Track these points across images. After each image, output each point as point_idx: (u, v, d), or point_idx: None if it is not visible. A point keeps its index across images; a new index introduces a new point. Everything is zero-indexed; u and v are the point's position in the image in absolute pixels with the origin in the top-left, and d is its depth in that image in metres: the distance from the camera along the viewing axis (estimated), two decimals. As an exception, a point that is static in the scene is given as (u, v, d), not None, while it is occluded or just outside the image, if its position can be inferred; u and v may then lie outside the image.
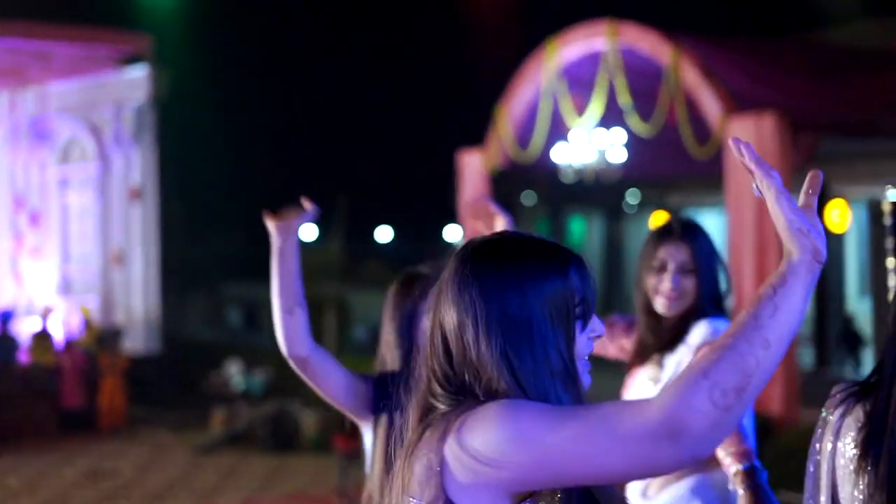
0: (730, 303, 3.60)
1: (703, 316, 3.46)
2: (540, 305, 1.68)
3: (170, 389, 15.03)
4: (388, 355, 3.02)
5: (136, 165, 15.73)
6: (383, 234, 30.50)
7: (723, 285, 3.51)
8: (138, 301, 15.62)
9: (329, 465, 10.65)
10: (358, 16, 29.55)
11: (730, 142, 1.68)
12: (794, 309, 1.61)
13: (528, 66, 12.78)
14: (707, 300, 3.45)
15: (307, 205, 3.02)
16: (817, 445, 2.16)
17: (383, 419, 2.93)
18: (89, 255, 16.10)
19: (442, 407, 1.70)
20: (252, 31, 27.38)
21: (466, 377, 1.70)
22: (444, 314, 1.73)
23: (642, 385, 3.57)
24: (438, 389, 1.72)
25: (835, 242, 17.34)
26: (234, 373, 14.23)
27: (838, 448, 2.11)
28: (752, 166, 1.66)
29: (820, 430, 2.18)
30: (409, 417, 1.78)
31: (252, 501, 9.82)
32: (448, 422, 1.65)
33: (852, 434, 2.09)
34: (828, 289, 17.05)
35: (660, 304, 3.47)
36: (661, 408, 1.51)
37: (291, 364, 2.97)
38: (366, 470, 3.08)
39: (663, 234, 3.48)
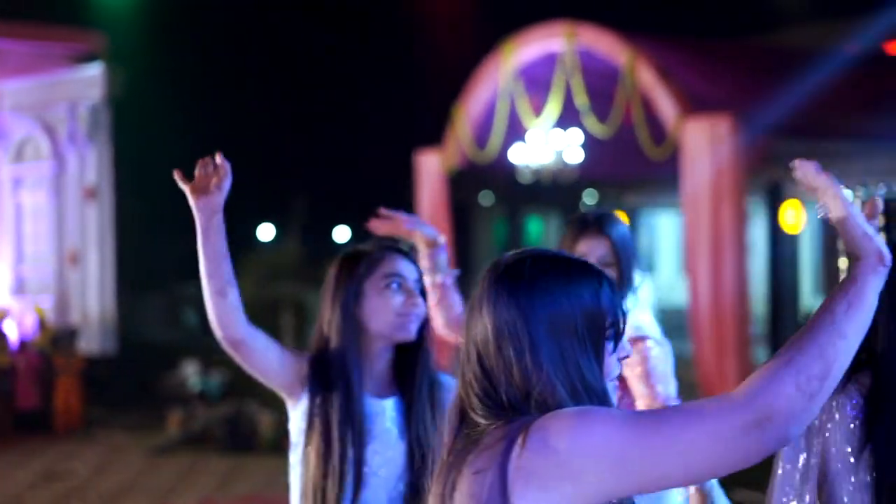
0: (645, 294, 3.54)
1: None
2: (575, 323, 1.71)
3: (126, 390, 14.92)
4: (333, 334, 2.90)
5: (91, 165, 15.60)
6: (341, 234, 30.43)
7: (637, 278, 3.45)
8: (94, 301, 15.50)
9: (286, 466, 10.60)
10: (315, 15, 29.47)
11: (794, 164, 1.75)
12: (865, 305, 1.70)
13: (486, 66, 12.82)
14: (626, 293, 3.41)
15: (220, 163, 2.82)
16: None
17: (318, 398, 2.86)
18: (44, 255, 15.96)
19: (483, 422, 1.71)
20: (208, 30, 27.24)
21: (509, 392, 1.70)
22: (478, 331, 1.75)
23: None
24: (478, 404, 1.73)
25: (789, 242, 17.51)
26: (190, 373, 14.15)
27: (829, 429, 2.15)
28: (818, 182, 1.75)
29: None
30: (445, 435, 1.79)
31: (208, 502, 9.78)
32: (508, 436, 1.64)
33: (847, 410, 2.14)
34: (782, 288, 17.22)
35: None
36: (750, 396, 1.57)
37: (225, 346, 2.86)
38: (295, 452, 2.96)
39: (581, 228, 3.41)
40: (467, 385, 1.75)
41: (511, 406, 1.70)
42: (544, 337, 1.69)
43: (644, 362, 3.26)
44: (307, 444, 2.88)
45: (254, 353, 2.86)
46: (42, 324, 14.75)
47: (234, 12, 27.79)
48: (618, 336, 1.77)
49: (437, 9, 24.35)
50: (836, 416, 2.17)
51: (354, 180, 29.26)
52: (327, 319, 2.92)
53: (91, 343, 15.08)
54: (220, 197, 2.81)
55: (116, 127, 15.76)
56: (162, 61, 21.54)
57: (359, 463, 2.80)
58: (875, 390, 2.16)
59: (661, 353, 3.30)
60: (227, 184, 2.82)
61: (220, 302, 2.81)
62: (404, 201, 15.97)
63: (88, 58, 15.59)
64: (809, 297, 19.05)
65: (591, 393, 1.70)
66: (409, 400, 2.89)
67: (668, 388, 3.22)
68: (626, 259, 3.39)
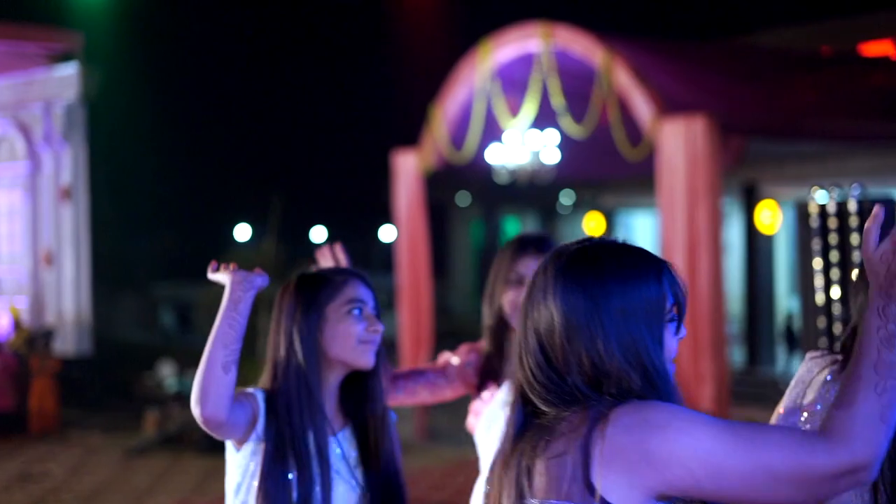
0: None
1: None
2: (642, 308, 1.74)
3: (102, 391, 14.87)
4: (294, 361, 2.74)
5: (67, 164, 15.53)
6: (318, 234, 30.39)
7: None
8: (69, 302, 15.43)
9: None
10: (291, 15, 29.43)
11: (874, 212, 1.75)
12: None
13: (462, 66, 12.82)
14: None
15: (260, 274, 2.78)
16: (798, 401, 2.25)
17: (280, 433, 2.69)
18: (19, 256, 15.88)
19: (550, 410, 1.74)
20: (183, 30, 27.16)
21: (578, 380, 1.73)
22: (542, 321, 1.77)
23: (499, 412, 3.40)
24: (542, 393, 1.76)
25: (765, 243, 17.61)
26: (166, 374, 14.12)
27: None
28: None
29: (799, 392, 2.27)
30: (508, 424, 1.81)
31: (185, 503, 9.77)
32: (587, 422, 1.68)
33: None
34: (758, 288, 17.31)
35: (514, 319, 3.39)
36: (851, 448, 1.61)
37: (201, 422, 2.59)
38: (239, 493, 2.81)
39: (520, 247, 3.43)
40: (528, 374, 1.78)
41: (581, 394, 1.72)
42: (615, 323, 1.72)
43: None
44: (267, 481, 2.69)
45: (229, 431, 2.69)
46: (17, 325, 14.68)
47: (211, 13, 27.72)
48: (679, 318, 1.80)
49: (414, 9, 24.35)
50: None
51: (331, 181, 29.25)
52: (284, 346, 2.76)
53: (66, 344, 15.02)
54: (261, 280, 2.75)
55: (92, 127, 15.70)
56: (137, 61, 21.48)
57: (327, 500, 2.68)
58: None
59: None
60: (265, 281, 2.78)
61: (220, 377, 2.56)
62: (380, 201, 15.97)
63: (64, 57, 15.53)
64: (785, 297, 19.15)
65: (659, 376, 1.73)
66: (365, 429, 2.79)
67: None
68: None
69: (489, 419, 3.49)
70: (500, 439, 1.84)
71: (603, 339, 1.71)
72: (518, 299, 3.34)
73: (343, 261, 3.33)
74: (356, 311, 2.78)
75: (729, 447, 1.61)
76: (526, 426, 1.78)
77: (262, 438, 2.70)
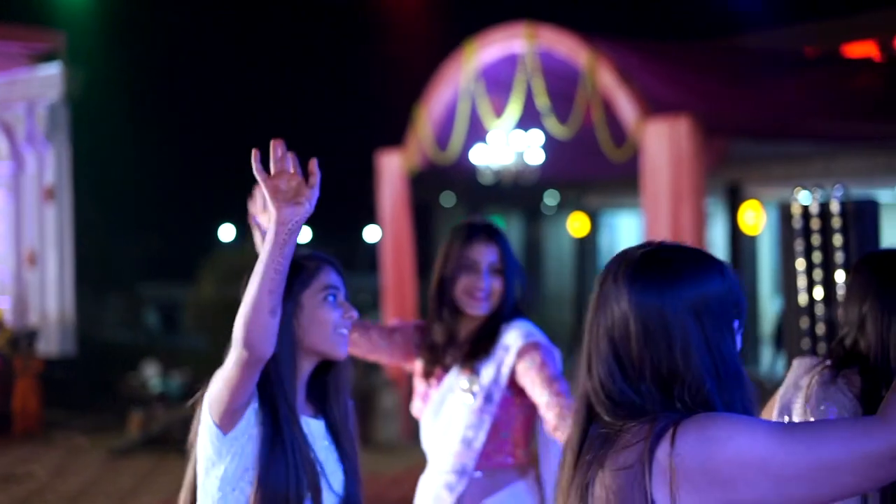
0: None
1: (508, 317, 3.46)
2: (713, 308, 1.75)
3: (85, 392, 14.83)
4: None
5: (50, 165, 15.48)
6: (302, 234, 30.37)
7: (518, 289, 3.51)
8: (52, 302, 15.38)
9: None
10: (274, 14, 29.39)
11: None
12: None
13: (447, 67, 12.83)
14: (511, 301, 3.47)
15: (312, 170, 2.55)
16: (789, 407, 2.27)
17: (272, 422, 2.60)
18: (2, 256, 15.82)
19: (615, 420, 1.73)
20: (166, 30, 27.10)
21: (650, 388, 1.73)
22: (615, 326, 1.76)
23: (454, 396, 3.46)
24: (610, 401, 1.74)
25: (749, 243, 17.66)
26: (150, 375, 14.09)
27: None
28: None
29: (789, 397, 2.28)
30: (573, 430, 1.81)
31: (169, 504, 9.75)
32: (653, 434, 1.67)
33: (836, 410, 2.18)
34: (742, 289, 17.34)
35: (471, 305, 3.45)
36: None
37: (245, 362, 2.46)
38: (214, 477, 2.65)
39: (470, 234, 3.47)
40: (597, 383, 1.76)
41: (651, 402, 1.72)
42: (691, 326, 1.72)
43: (542, 367, 3.33)
44: (268, 466, 2.57)
45: (250, 389, 2.56)
46: (0, 325, 14.63)
47: (193, 13, 27.66)
48: (741, 315, 1.80)
49: (399, 10, 24.34)
50: (831, 417, 2.20)
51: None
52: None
53: (50, 345, 14.97)
54: (309, 209, 2.50)
55: (75, 127, 15.65)
56: (121, 61, 21.42)
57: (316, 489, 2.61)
58: (867, 391, 2.20)
59: (554, 357, 3.39)
60: (315, 193, 2.51)
61: (270, 321, 2.43)
62: (365, 202, 15.96)
63: (47, 57, 15.48)
64: (768, 297, 19.21)
65: (733, 378, 1.73)
66: (334, 419, 2.72)
67: (564, 388, 3.28)
68: (512, 266, 3.48)
69: (437, 404, 3.49)
70: (563, 448, 1.84)
71: (680, 340, 1.71)
72: (472, 285, 3.42)
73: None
74: (331, 298, 2.73)
75: (789, 452, 1.60)
76: (590, 436, 1.77)
77: (254, 422, 2.59)
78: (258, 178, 2.48)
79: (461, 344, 3.48)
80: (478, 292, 3.42)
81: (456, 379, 3.47)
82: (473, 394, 3.41)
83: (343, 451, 2.71)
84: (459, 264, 3.44)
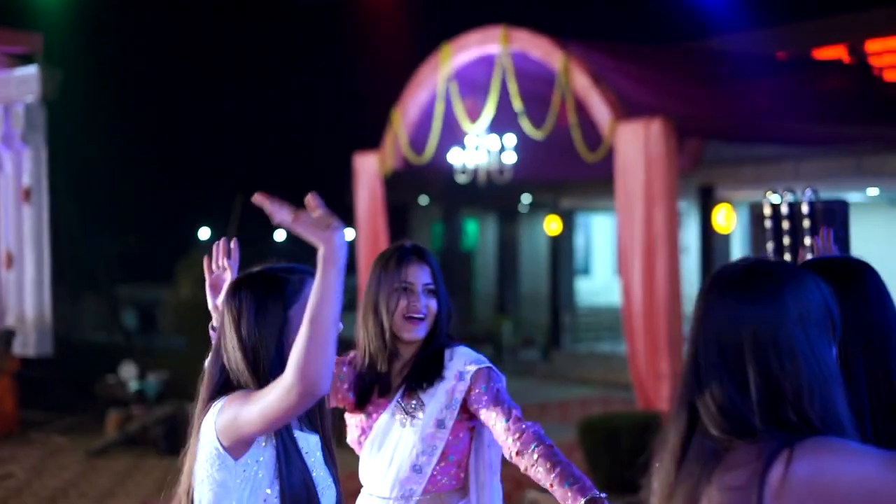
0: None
1: (445, 341, 3.45)
2: (818, 321, 1.79)
3: (63, 392, 14.83)
4: (262, 366, 2.58)
5: (27, 166, 15.47)
6: (280, 234, 30.37)
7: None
8: (30, 303, 15.37)
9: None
10: (252, 17, 29.40)
11: None
12: None
13: (423, 69, 12.93)
14: (445, 323, 3.45)
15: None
16: None
17: (280, 445, 2.60)
18: (-22, 257, 15.81)
19: (721, 434, 1.74)
20: (144, 31, 27.08)
21: (758, 403, 1.74)
22: (725, 338, 1.78)
23: (397, 424, 3.40)
24: (717, 415, 1.76)
25: (721, 243, 17.81)
26: (128, 375, 14.11)
27: None
28: None
29: None
30: (671, 443, 1.81)
31: None
32: (765, 455, 1.68)
33: None
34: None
35: (407, 329, 3.40)
36: None
37: (309, 399, 2.37)
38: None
39: (403, 256, 3.44)
40: (707, 394, 1.77)
41: (758, 419, 1.73)
42: (798, 334, 1.75)
43: (498, 393, 3.35)
44: (289, 480, 2.57)
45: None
46: (-23, 326, 14.62)
47: (172, 14, 27.65)
48: (836, 325, 1.82)
49: (375, 13, 24.41)
50: None
51: (292, 182, 29.20)
52: (249, 351, 2.59)
53: (27, 345, 14.96)
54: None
55: (52, 128, 15.65)
56: (98, 62, 21.42)
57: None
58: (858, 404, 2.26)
59: (503, 381, 3.41)
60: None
61: (332, 356, 2.36)
62: (342, 202, 16.03)
63: (24, 58, 15.47)
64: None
65: (836, 384, 1.76)
66: (327, 433, 2.70)
67: (520, 412, 3.31)
68: (442, 286, 3.47)
69: (381, 433, 3.43)
70: (663, 456, 1.83)
71: (788, 348, 1.74)
72: (408, 307, 3.38)
73: (234, 257, 3.16)
74: None
75: None
76: (693, 444, 1.78)
77: (263, 446, 2.57)
78: (289, 223, 2.41)
79: (401, 370, 3.44)
80: (416, 314, 3.38)
81: (399, 406, 3.41)
82: (419, 421, 3.36)
83: (332, 464, 2.70)
84: (394, 287, 3.40)
